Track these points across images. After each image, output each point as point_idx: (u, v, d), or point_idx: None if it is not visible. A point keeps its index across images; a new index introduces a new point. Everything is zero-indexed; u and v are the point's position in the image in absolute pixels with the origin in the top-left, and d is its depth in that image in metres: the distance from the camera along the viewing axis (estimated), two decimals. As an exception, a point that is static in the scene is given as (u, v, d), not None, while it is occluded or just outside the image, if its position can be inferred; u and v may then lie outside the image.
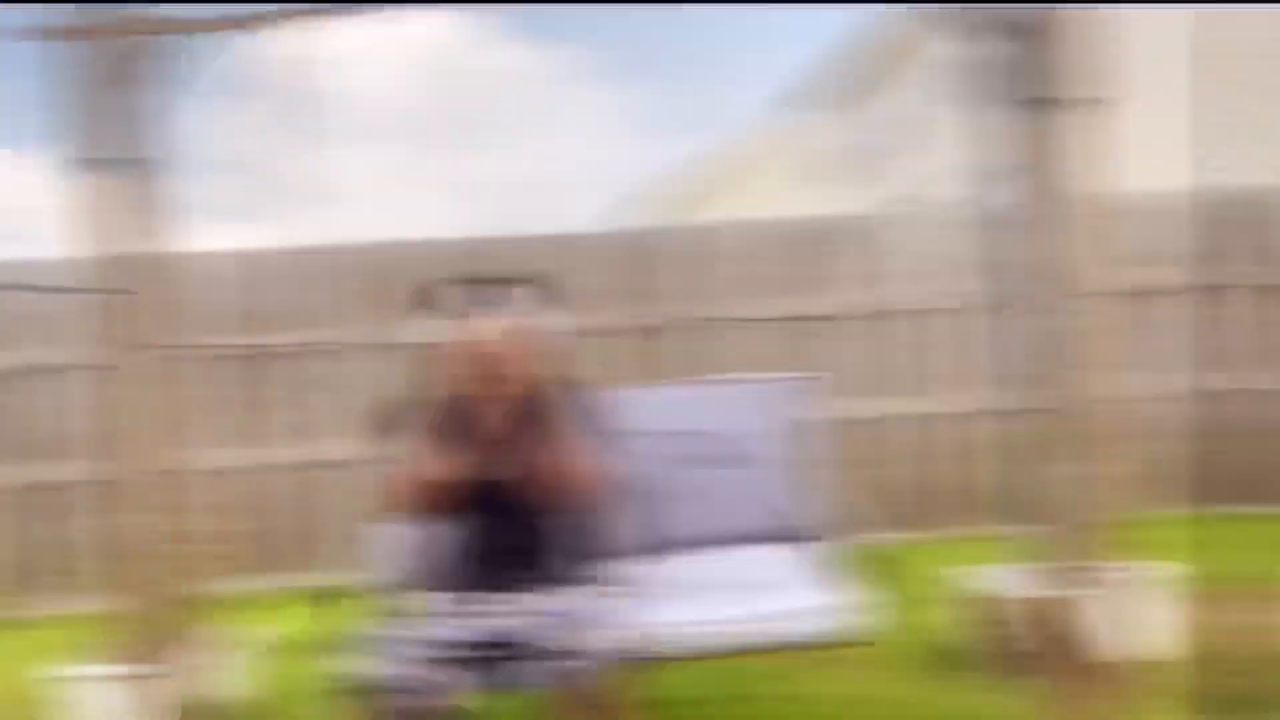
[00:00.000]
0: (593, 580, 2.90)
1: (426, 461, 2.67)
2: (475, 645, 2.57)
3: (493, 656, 2.59)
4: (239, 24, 3.63)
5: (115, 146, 2.55)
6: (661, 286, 6.28)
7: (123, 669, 3.47)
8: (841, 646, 2.82)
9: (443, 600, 2.75)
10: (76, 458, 5.75)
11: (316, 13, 3.77)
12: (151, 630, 2.66)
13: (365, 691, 2.38)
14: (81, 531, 5.76)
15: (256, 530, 5.94)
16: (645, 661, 2.68)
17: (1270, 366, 6.36)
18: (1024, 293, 3.91)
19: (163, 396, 5.24)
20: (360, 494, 5.70)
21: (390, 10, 3.94)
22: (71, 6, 2.83)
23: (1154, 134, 11.35)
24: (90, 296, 5.55)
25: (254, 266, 6.08)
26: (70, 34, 2.91)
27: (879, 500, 3.60)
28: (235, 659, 3.91)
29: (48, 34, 2.91)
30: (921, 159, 16.65)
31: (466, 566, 2.82)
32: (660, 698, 3.70)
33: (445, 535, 2.90)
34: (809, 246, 6.27)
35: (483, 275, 2.91)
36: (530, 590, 2.75)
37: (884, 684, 3.75)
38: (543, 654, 2.54)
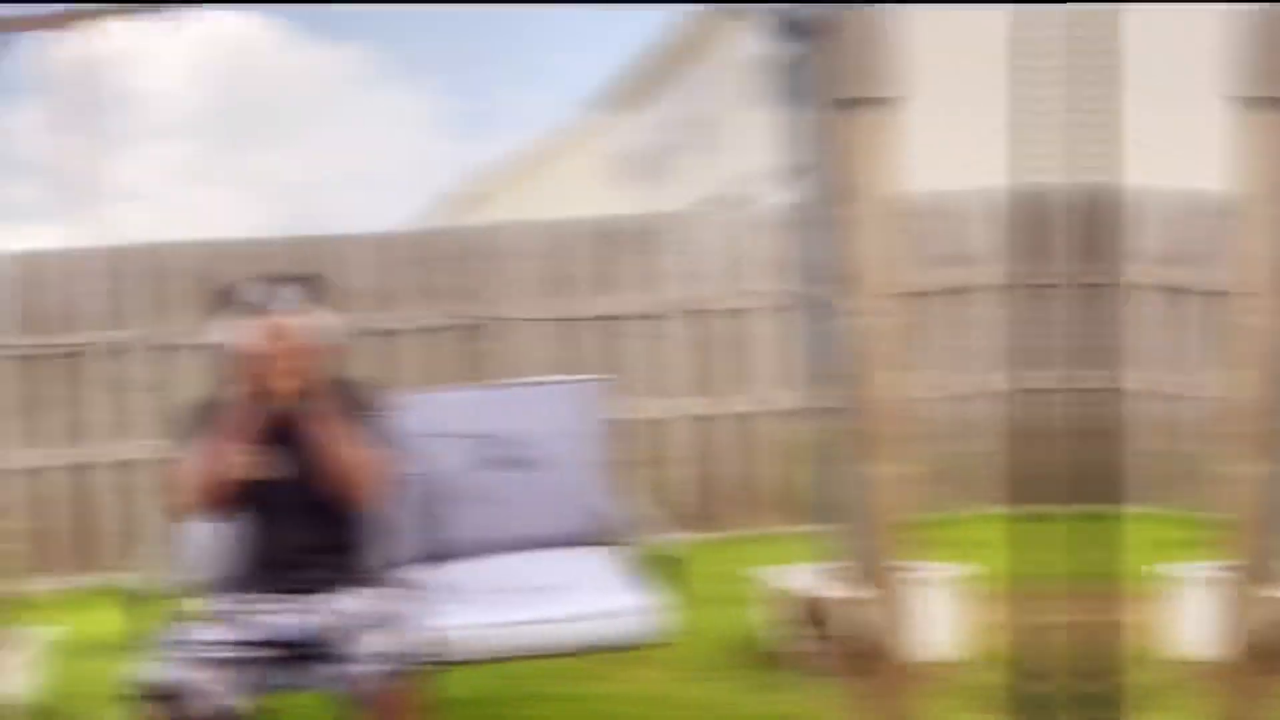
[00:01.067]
0: (381, 581, 2.92)
1: (209, 460, 2.70)
2: (260, 646, 2.59)
3: (278, 658, 2.62)
4: (33, 23, 3.56)
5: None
6: (467, 285, 6.29)
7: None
8: (638, 648, 2.90)
9: (227, 601, 2.77)
10: None
11: (109, 12, 3.69)
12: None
13: (149, 695, 2.38)
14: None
15: (34, 530, 5.90)
16: (436, 664, 2.68)
17: (1089, 364, 6.42)
18: (820, 293, 3.84)
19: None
20: (141, 494, 5.91)
21: (182, 9, 3.93)
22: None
23: (949, 133, 11.69)
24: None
25: (34, 267, 6.03)
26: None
27: (669, 500, 3.56)
28: (22, 659, 3.81)
29: None
30: (724, 158, 16.88)
31: (252, 567, 2.85)
32: (451, 699, 3.58)
33: (230, 535, 2.92)
34: (613, 245, 6.34)
35: (266, 275, 2.91)
36: (317, 591, 2.76)
37: (681, 685, 3.77)
38: (329, 656, 2.56)
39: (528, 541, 3.38)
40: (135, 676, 2.47)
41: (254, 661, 2.57)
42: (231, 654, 2.54)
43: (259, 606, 2.73)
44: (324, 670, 2.58)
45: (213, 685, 2.44)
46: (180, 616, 2.81)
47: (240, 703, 2.49)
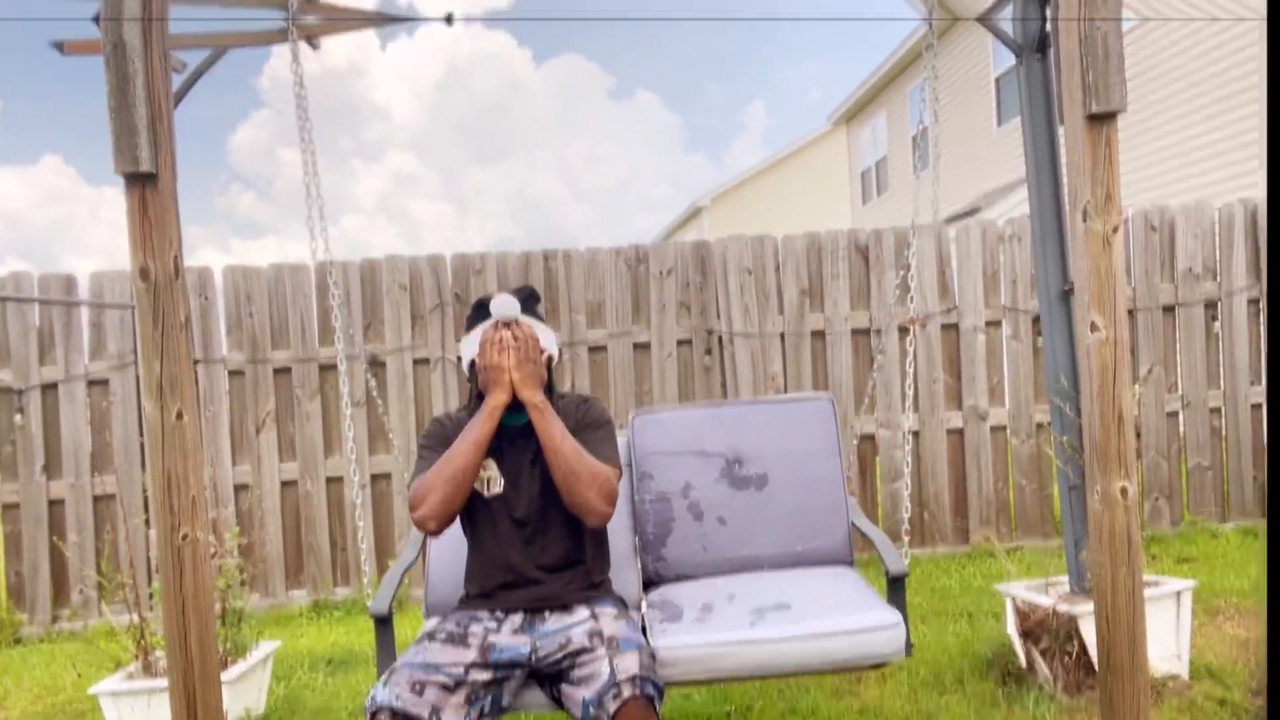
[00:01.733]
0: (617, 599, 2.85)
1: (448, 474, 2.62)
2: (492, 668, 2.50)
3: (511, 680, 2.53)
4: (267, 37, 3.55)
5: (135, 160, 2.55)
6: (694, 300, 6.23)
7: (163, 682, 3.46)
8: (881, 665, 2.75)
9: (459, 620, 2.68)
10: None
11: (335, 27, 3.66)
12: (196, 642, 2.66)
13: (378, 713, 2.32)
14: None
15: (245, 545, 5.71)
16: (674, 683, 2.65)
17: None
18: (1052, 307, 3.88)
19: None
20: (351, 510, 5.90)
21: (409, 24, 3.80)
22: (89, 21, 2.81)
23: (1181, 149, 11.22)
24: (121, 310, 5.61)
25: (251, 280, 6.05)
26: (85, 48, 2.91)
27: (900, 516, 3.54)
28: (254, 673, 3.89)
29: (65, 49, 2.92)
30: (956, 173, 16.59)
31: (485, 584, 2.77)
32: (694, 715, 3.69)
33: (463, 551, 2.87)
34: (836, 260, 6.23)
35: (497, 289, 2.79)
36: (552, 610, 2.69)
37: (918, 699, 3.72)
38: (565, 677, 2.48)
39: (764, 559, 3.31)
40: (365, 697, 2.41)
41: (486, 683, 2.47)
42: (462, 675, 2.44)
43: (491, 626, 2.65)
44: (559, 691, 2.51)
45: (442, 708, 2.37)
46: (411, 636, 2.82)
47: None
